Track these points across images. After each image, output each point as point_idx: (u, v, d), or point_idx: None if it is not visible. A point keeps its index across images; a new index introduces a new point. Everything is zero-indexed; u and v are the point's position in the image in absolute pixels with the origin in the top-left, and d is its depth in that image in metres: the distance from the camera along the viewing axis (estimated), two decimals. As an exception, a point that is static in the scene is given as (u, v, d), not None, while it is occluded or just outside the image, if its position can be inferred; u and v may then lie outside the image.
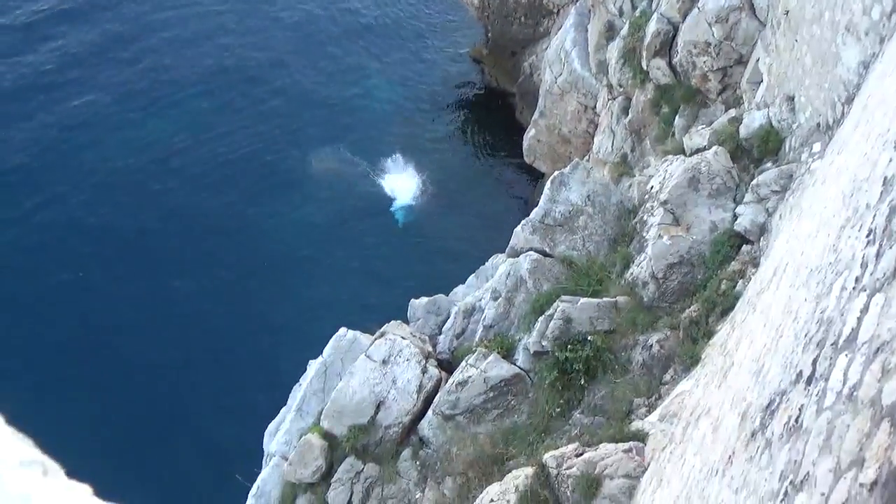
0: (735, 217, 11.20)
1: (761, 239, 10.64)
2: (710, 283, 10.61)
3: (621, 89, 18.03)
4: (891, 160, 3.66)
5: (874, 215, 3.43)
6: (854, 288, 3.24)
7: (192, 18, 30.05)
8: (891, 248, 2.97)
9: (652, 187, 12.70)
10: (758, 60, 13.24)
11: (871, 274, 3.08)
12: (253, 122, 27.84)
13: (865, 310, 2.95)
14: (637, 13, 17.29)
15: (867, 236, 3.40)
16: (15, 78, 27.97)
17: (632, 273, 11.74)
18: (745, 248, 10.75)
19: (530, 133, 23.65)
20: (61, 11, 29.56)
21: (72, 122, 27.00)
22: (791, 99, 11.50)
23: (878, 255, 3.09)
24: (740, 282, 10.13)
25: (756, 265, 10.10)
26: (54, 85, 27.80)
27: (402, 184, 26.51)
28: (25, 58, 28.26)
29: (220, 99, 28.19)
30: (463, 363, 12.16)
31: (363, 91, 29.24)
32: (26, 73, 28.08)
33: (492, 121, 28.25)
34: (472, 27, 30.27)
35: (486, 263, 15.43)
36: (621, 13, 18.27)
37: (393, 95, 29.18)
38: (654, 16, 15.88)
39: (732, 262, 10.64)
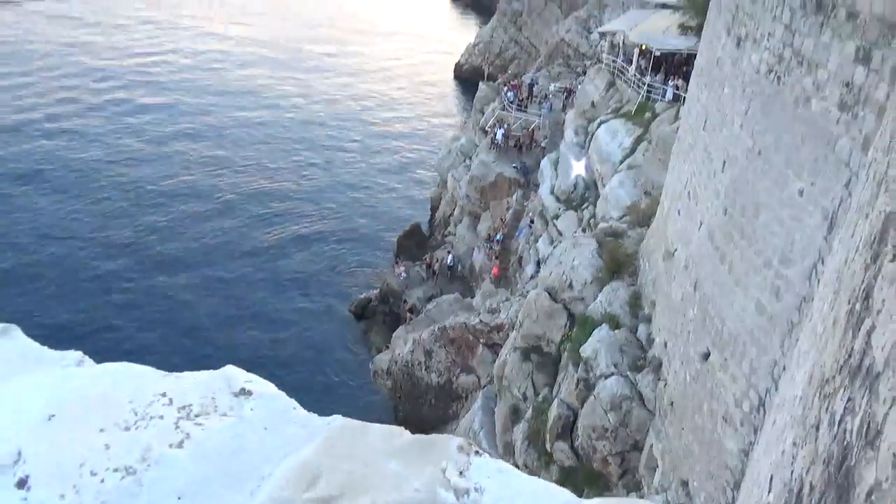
0: None
1: None
2: None
3: (527, 470, 18.40)
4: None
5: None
6: None
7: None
8: None
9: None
10: (651, 446, 14.09)
11: None
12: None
13: None
14: (539, 398, 18.49)
15: None
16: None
17: None
18: None
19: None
20: None
21: None
22: (685, 484, 12.07)
23: None
24: None
25: None
26: None
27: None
28: None
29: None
30: None
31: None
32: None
33: None
34: (385, 406, 31.08)
35: None
36: (525, 398, 19.46)
37: None
38: (555, 401, 17.03)
39: None
